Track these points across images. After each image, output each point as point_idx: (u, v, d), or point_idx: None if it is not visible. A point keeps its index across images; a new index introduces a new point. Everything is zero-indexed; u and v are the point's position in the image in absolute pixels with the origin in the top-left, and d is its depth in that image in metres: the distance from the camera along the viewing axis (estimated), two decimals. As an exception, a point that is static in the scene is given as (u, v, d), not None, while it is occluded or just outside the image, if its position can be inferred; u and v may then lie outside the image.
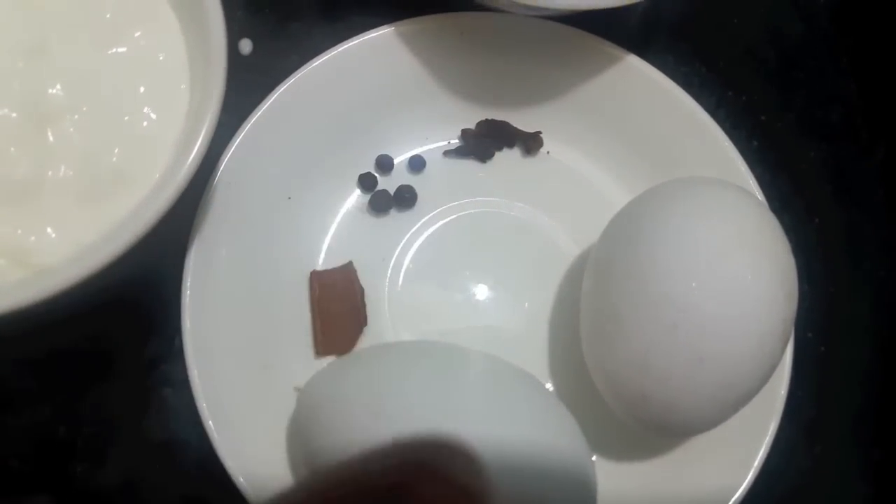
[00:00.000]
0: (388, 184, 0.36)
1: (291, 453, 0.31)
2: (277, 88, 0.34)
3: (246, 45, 0.38)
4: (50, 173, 0.28)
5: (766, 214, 0.29)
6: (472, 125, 0.37)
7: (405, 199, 0.36)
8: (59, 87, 0.29)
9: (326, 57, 0.35)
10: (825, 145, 0.40)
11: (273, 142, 0.34)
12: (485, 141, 0.37)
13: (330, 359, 0.34)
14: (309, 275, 0.35)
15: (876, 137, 0.41)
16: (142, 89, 0.29)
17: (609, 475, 0.31)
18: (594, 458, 0.31)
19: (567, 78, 0.36)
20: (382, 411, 0.27)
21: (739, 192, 0.30)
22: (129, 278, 0.32)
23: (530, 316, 0.35)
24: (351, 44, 0.35)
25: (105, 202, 0.28)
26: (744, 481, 0.31)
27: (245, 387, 0.32)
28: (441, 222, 0.36)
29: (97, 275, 0.26)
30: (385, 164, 0.36)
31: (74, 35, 0.29)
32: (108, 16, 0.30)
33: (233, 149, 0.33)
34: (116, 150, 0.29)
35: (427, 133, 0.37)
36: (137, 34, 0.30)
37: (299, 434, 0.30)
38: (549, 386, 0.34)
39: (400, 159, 0.37)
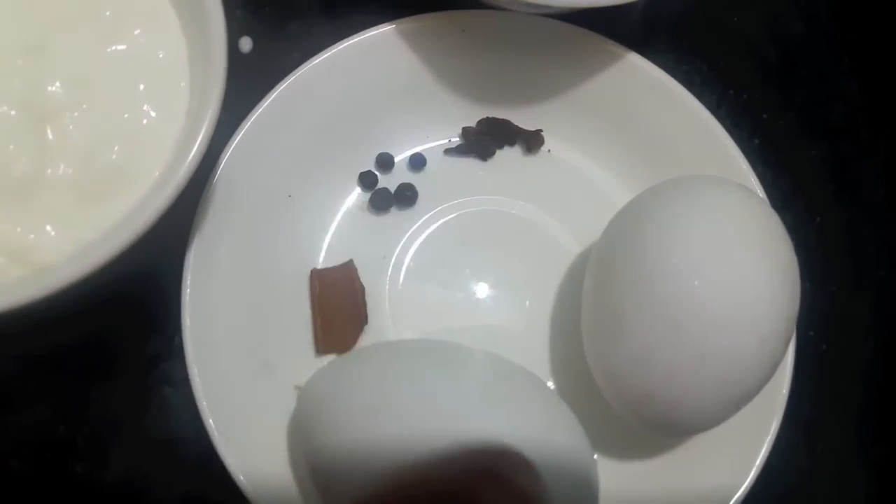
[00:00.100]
0: (388, 182, 0.36)
1: (292, 451, 0.31)
2: (277, 86, 0.34)
3: (246, 44, 0.38)
4: (49, 171, 0.28)
5: (768, 212, 0.29)
6: (472, 123, 0.37)
7: (406, 197, 0.36)
8: (58, 84, 0.29)
9: (327, 55, 0.34)
10: (826, 144, 0.40)
11: (273, 140, 0.34)
12: (485, 139, 0.37)
13: (330, 357, 0.34)
14: (309, 273, 0.35)
15: (877, 136, 0.41)
16: (141, 87, 0.29)
17: (610, 473, 0.31)
18: (595, 456, 0.31)
19: (568, 76, 0.36)
20: (383, 409, 0.27)
21: (741, 191, 0.30)
22: (130, 276, 0.32)
23: (531, 314, 0.35)
24: (351, 42, 0.35)
25: (105, 200, 0.28)
26: (745, 480, 0.31)
27: (245, 385, 0.32)
28: (442, 221, 0.36)
29: (97, 273, 0.26)
30: (386, 162, 0.36)
31: (74, 33, 0.29)
32: (107, 13, 0.30)
33: (233, 147, 0.33)
34: (116, 148, 0.28)
35: (428, 131, 0.37)
36: (137, 32, 0.30)
37: (300, 432, 0.30)
38: (551, 384, 0.34)
39: (400, 157, 0.37)
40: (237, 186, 0.33)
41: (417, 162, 0.36)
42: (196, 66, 0.29)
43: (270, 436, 0.32)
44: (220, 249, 0.33)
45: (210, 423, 0.30)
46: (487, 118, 0.37)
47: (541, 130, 0.37)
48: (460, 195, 0.36)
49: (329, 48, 0.35)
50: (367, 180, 0.36)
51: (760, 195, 0.34)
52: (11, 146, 0.28)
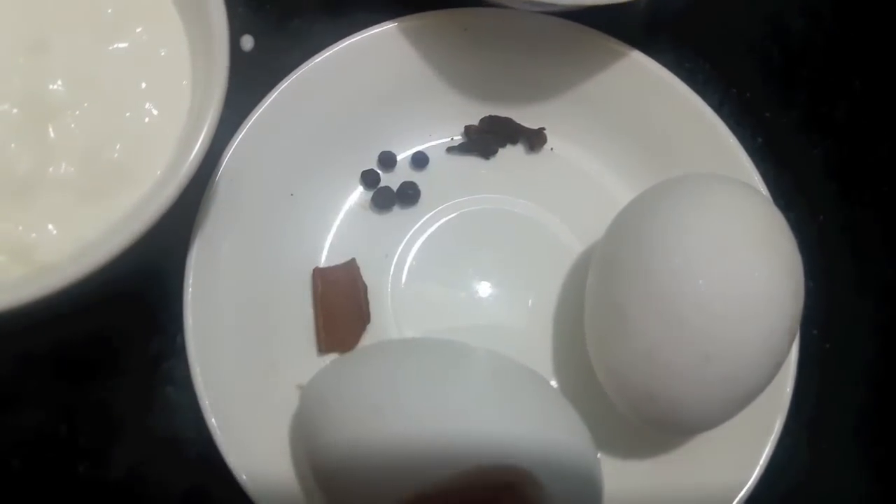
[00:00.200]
0: (390, 180, 0.36)
1: (294, 450, 0.31)
2: (279, 85, 0.34)
3: (248, 42, 0.38)
4: (51, 169, 0.28)
5: (772, 210, 0.29)
6: (475, 122, 0.37)
7: (408, 195, 0.36)
8: (59, 82, 0.29)
9: (329, 53, 0.34)
10: (829, 142, 0.40)
11: (275, 138, 0.34)
12: (488, 137, 0.37)
13: (333, 356, 0.34)
14: (312, 272, 0.34)
15: (880, 134, 0.41)
16: (143, 85, 0.29)
17: (614, 472, 0.31)
18: (599, 454, 0.31)
19: (571, 74, 0.36)
20: (385, 408, 0.27)
21: (744, 189, 0.29)
22: (132, 275, 0.32)
23: (534, 313, 0.35)
24: (353, 40, 0.35)
25: (106, 199, 0.28)
26: (749, 479, 0.31)
27: (247, 384, 0.32)
28: (444, 219, 0.36)
29: (98, 272, 0.26)
30: (388, 160, 0.36)
31: (75, 30, 0.29)
32: (109, 11, 0.30)
33: (235, 145, 0.33)
34: (118, 147, 0.28)
35: (430, 129, 0.37)
36: (139, 29, 0.30)
37: (302, 431, 0.30)
38: (553, 383, 0.34)
39: (403, 156, 0.37)
40: (239, 185, 0.33)
41: (420, 160, 0.36)
42: (198, 63, 0.29)
43: (272, 435, 0.31)
44: (222, 248, 0.32)
45: (212, 422, 0.30)
46: (490, 116, 0.37)
47: (543, 129, 0.37)
48: (463, 194, 0.36)
49: (331, 46, 0.34)
50: (369, 179, 0.36)
51: (764, 193, 0.33)
52: (13, 145, 0.28)
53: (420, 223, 0.36)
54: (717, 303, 0.27)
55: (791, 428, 0.33)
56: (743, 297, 0.27)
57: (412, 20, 0.35)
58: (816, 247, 0.37)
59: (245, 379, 0.32)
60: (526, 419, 0.28)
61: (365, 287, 0.34)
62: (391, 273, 0.35)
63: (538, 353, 0.34)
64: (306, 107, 0.34)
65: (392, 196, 0.36)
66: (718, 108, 0.36)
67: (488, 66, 0.36)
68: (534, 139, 0.37)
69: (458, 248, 0.36)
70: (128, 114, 0.29)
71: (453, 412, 0.27)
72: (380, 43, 0.35)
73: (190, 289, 0.31)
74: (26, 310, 0.25)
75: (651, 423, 0.30)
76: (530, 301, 0.35)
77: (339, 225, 0.36)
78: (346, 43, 0.35)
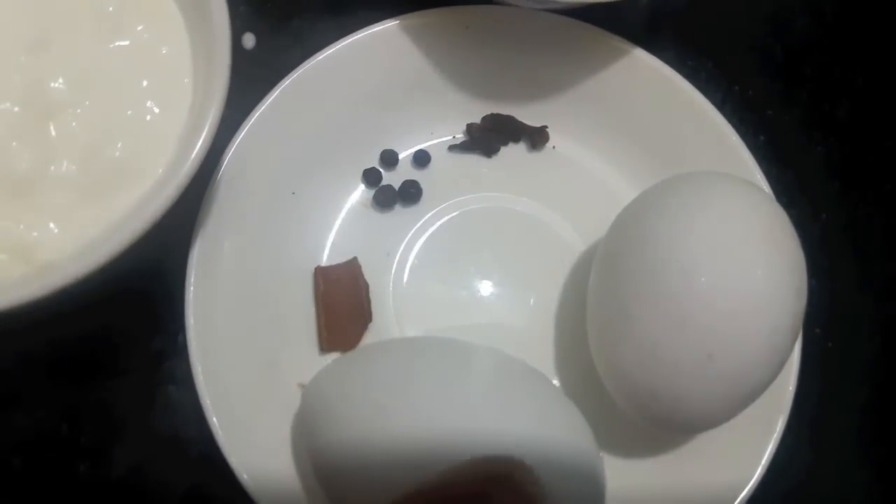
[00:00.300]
0: (392, 179, 0.36)
1: (295, 449, 0.31)
2: (281, 83, 0.34)
3: (249, 40, 0.38)
4: (52, 168, 0.28)
5: (775, 208, 0.29)
6: (477, 120, 0.37)
7: (410, 194, 0.36)
8: (61, 80, 0.28)
9: (330, 51, 0.34)
10: (832, 140, 0.40)
11: (277, 137, 0.34)
12: (490, 136, 0.37)
13: (334, 355, 0.34)
14: (313, 270, 0.34)
15: (883, 132, 0.41)
16: (145, 83, 0.29)
17: (616, 470, 0.31)
18: (601, 453, 0.31)
19: (573, 72, 0.36)
20: (387, 407, 0.27)
21: (747, 187, 0.29)
22: (133, 274, 0.32)
23: (536, 312, 0.35)
24: (355, 38, 0.35)
25: (108, 197, 0.28)
26: (752, 477, 0.31)
27: (249, 383, 0.32)
28: (446, 218, 0.36)
29: (99, 271, 0.26)
30: (390, 159, 0.36)
31: (76, 29, 0.29)
32: (110, 9, 0.29)
33: (236, 144, 0.33)
34: (119, 145, 0.28)
35: (432, 128, 0.37)
36: (140, 28, 0.30)
37: (304, 430, 0.30)
38: (556, 381, 0.34)
39: (405, 154, 0.36)
40: (241, 184, 0.33)
41: (422, 159, 0.36)
42: (199, 62, 0.29)
43: (274, 433, 0.31)
44: (223, 247, 0.32)
45: (213, 420, 0.30)
46: (492, 114, 0.37)
47: (545, 127, 0.37)
48: (465, 192, 0.36)
49: (332, 44, 0.34)
50: (371, 177, 0.36)
51: (766, 191, 0.33)
52: (14, 143, 0.28)
53: (422, 222, 0.36)
54: (721, 301, 0.27)
55: (793, 427, 0.33)
56: (746, 295, 0.27)
57: (414, 18, 0.35)
58: (818, 245, 0.37)
59: (246, 378, 0.32)
60: (528, 417, 0.28)
61: (367, 286, 0.34)
62: (393, 272, 0.35)
63: (540, 351, 0.34)
64: (308, 105, 0.34)
65: (394, 194, 0.36)
66: (721, 106, 0.36)
67: (490, 64, 0.36)
68: (536, 137, 0.37)
69: (459, 246, 0.36)
70: (129, 112, 0.29)
71: (456, 410, 0.27)
72: (381, 41, 0.35)
73: (191, 287, 0.31)
74: (27, 309, 0.25)
75: (653, 422, 0.30)
76: (532, 299, 0.35)
77: (340, 223, 0.35)
78: (348, 41, 0.35)
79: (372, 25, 0.35)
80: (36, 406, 0.33)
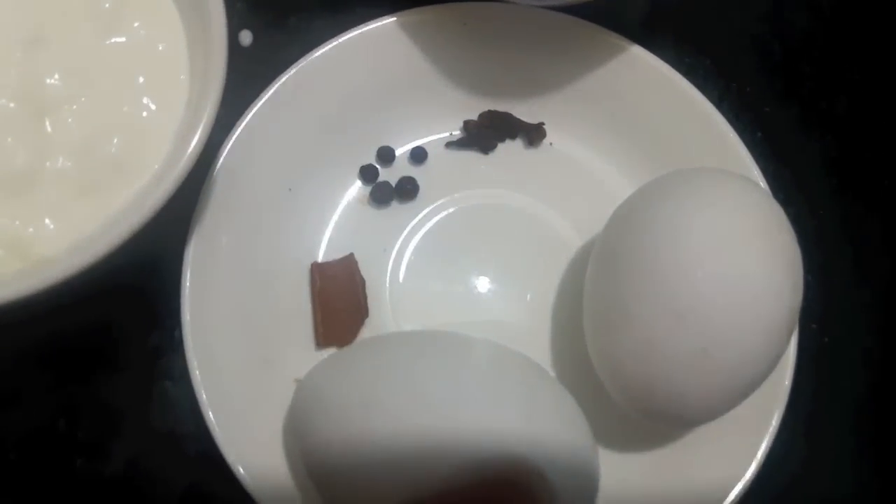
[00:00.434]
0: (389, 175, 0.36)
1: (290, 445, 0.31)
2: (278, 79, 0.34)
3: (246, 37, 0.38)
4: (48, 164, 0.28)
5: (771, 204, 0.29)
6: (474, 116, 0.37)
7: (407, 190, 0.36)
8: (57, 77, 0.29)
9: (327, 48, 0.34)
10: (829, 137, 0.40)
11: (274, 133, 0.34)
12: (487, 132, 0.37)
13: (331, 351, 0.34)
14: (310, 266, 0.34)
15: (880, 129, 0.41)
16: (141, 80, 0.29)
17: (611, 464, 0.31)
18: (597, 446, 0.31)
19: (570, 68, 0.36)
20: (375, 402, 0.27)
21: (744, 182, 0.29)
22: (130, 270, 0.32)
23: (532, 307, 0.35)
24: (352, 34, 0.35)
25: (104, 193, 0.28)
26: (747, 472, 0.31)
27: (245, 378, 0.32)
28: (443, 214, 0.36)
29: (96, 266, 0.26)
30: (386, 155, 0.36)
31: (73, 25, 0.29)
32: (106, 5, 0.30)
33: (233, 140, 0.33)
34: (115, 141, 0.28)
35: (429, 124, 0.37)
36: (136, 24, 0.30)
37: (296, 427, 0.30)
38: (552, 375, 0.34)
39: (401, 151, 0.36)
40: (237, 180, 0.33)
41: (418, 155, 0.36)
42: (196, 58, 0.29)
43: (271, 428, 0.31)
44: (220, 243, 0.32)
45: (210, 416, 0.30)
46: (489, 111, 0.37)
47: (542, 123, 0.37)
48: (461, 188, 0.36)
49: (329, 41, 0.34)
50: (367, 174, 0.36)
51: (763, 187, 0.33)
52: (10, 139, 0.28)
53: (418, 218, 0.36)
54: (716, 295, 0.27)
55: (788, 422, 0.33)
56: (742, 289, 0.27)
57: (411, 15, 0.35)
58: (815, 241, 0.37)
59: (243, 373, 0.32)
60: (525, 409, 0.28)
61: (363, 281, 0.34)
62: (389, 267, 0.35)
63: (537, 347, 0.34)
64: (305, 102, 0.34)
65: (390, 191, 0.36)
66: (718, 103, 0.36)
67: (487, 61, 0.36)
68: (533, 134, 0.37)
69: (456, 242, 0.36)
70: (125, 108, 0.29)
71: (450, 404, 0.27)
72: (378, 38, 0.35)
73: (188, 283, 0.31)
74: (24, 303, 0.25)
75: (648, 415, 0.30)
76: (529, 295, 0.35)
77: (337, 220, 0.35)
78: (345, 38, 0.35)
79: (369, 23, 0.35)
80: (33, 401, 0.33)
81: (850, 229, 0.39)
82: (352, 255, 0.35)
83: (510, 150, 0.37)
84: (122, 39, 0.30)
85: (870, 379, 0.37)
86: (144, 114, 0.29)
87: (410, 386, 0.27)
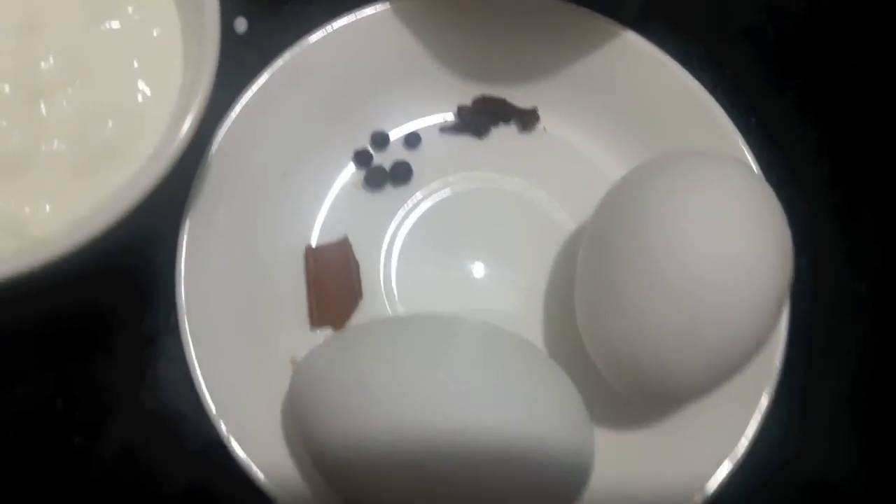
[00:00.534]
0: (383, 160, 0.36)
1: (287, 426, 0.31)
2: (273, 64, 0.34)
3: (241, 24, 0.39)
4: (43, 146, 0.28)
5: (761, 185, 0.29)
6: (468, 101, 0.37)
7: (400, 174, 0.36)
8: (52, 61, 0.29)
9: (322, 33, 0.35)
10: (824, 124, 0.40)
11: (268, 118, 0.34)
12: (481, 117, 0.37)
13: (326, 331, 0.34)
14: (304, 249, 0.35)
15: (874, 116, 0.41)
16: (135, 64, 0.30)
17: (604, 443, 0.31)
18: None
19: (564, 54, 0.36)
20: (371, 384, 0.27)
21: (734, 163, 0.30)
22: (127, 253, 0.33)
23: (526, 290, 0.35)
24: (346, 20, 0.35)
25: (99, 175, 0.28)
26: (736, 449, 0.31)
27: (241, 359, 0.32)
28: (437, 198, 0.36)
29: (90, 245, 0.26)
30: (380, 140, 0.36)
31: (68, 10, 0.29)
32: (101, -9, 0.30)
33: (228, 124, 0.33)
34: (110, 124, 0.29)
35: (423, 109, 0.37)
36: (131, 9, 0.30)
37: (295, 411, 0.30)
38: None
39: (395, 135, 0.37)
40: (232, 164, 0.33)
41: (412, 140, 0.37)
42: (190, 44, 0.30)
43: (266, 408, 0.31)
44: (215, 227, 0.33)
45: (206, 395, 0.30)
46: (483, 96, 0.37)
47: (536, 108, 0.37)
48: (455, 173, 0.36)
49: (324, 26, 0.35)
50: (362, 158, 0.36)
51: (753, 168, 0.34)
52: (4, 122, 0.28)
53: (412, 202, 0.36)
54: (705, 273, 0.27)
55: (782, 404, 0.33)
56: (731, 268, 0.27)
57: (405, 1, 0.35)
58: (809, 226, 0.37)
59: (238, 354, 0.32)
60: (519, 387, 0.28)
61: (357, 264, 0.35)
62: (383, 251, 0.35)
63: (531, 329, 0.34)
64: (299, 87, 0.35)
65: (385, 175, 0.36)
66: (713, 90, 0.36)
67: (481, 46, 0.36)
68: (526, 119, 0.37)
69: (450, 226, 0.36)
70: (120, 92, 0.29)
71: (445, 384, 0.27)
72: (373, 23, 0.35)
73: (183, 267, 0.31)
74: (20, 282, 0.25)
75: (639, 394, 0.30)
76: (522, 278, 0.35)
77: (331, 204, 0.36)
78: (340, 23, 0.35)
79: (363, 8, 0.35)
80: (31, 381, 0.33)
81: (843, 214, 0.39)
82: (346, 238, 0.35)
83: (504, 134, 0.37)
84: (117, 25, 0.30)
85: (863, 362, 0.37)
86: (139, 98, 0.29)
87: (407, 367, 0.27)
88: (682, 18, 0.40)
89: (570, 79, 0.36)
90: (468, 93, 0.37)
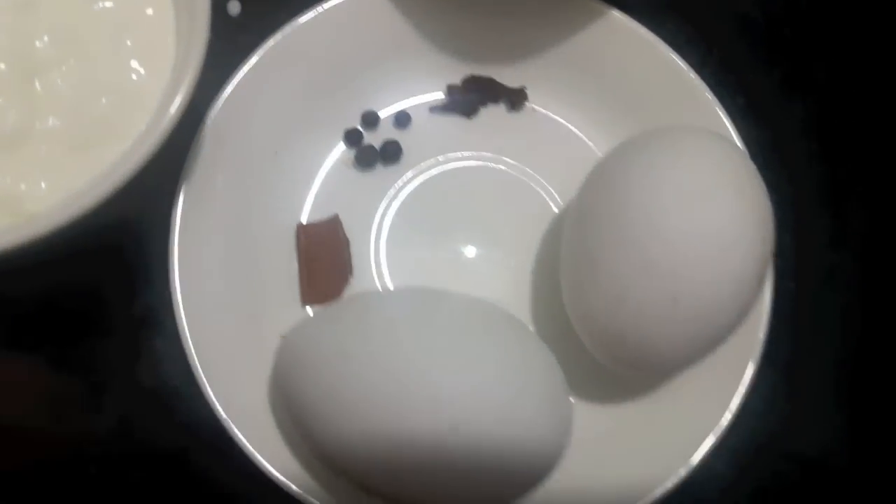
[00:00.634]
0: (373, 139, 0.37)
1: (275, 399, 0.32)
2: (264, 44, 0.34)
3: (234, 7, 0.39)
4: (38, 124, 0.29)
5: (741, 158, 0.29)
6: (457, 81, 0.37)
7: (391, 153, 0.36)
8: (46, 39, 0.29)
9: (313, 13, 0.35)
10: (810, 102, 0.41)
11: (259, 98, 0.34)
12: (470, 96, 0.37)
13: (317, 308, 0.34)
14: (296, 227, 0.35)
15: (859, 94, 0.41)
16: (129, 43, 0.30)
17: (590, 419, 0.32)
18: (573, 399, 0.32)
19: (552, 34, 0.37)
20: (350, 354, 0.27)
21: (712, 137, 0.30)
22: (120, 230, 0.33)
23: (514, 267, 0.35)
24: (337, 0, 0.35)
25: (93, 152, 0.29)
26: (720, 422, 0.31)
27: (233, 335, 0.32)
28: (426, 177, 0.36)
29: (83, 221, 0.26)
30: (371, 119, 0.37)
31: (62, -10, 0.30)
32: (95, -30, 0.30)
33: (220, 104, 0.34)
34: (104, 102, 0.29)
35: (412, 89, 0.37)
36: (125, -12, 0.30)
37: (279, 381, 0.30)
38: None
39: (386, 115, 0.37)
40: (224, 143, 0.34)
41: (402, 119, 0.37)
42: (183, 22, 0.30)
43: (259, 383, 0.32)
44: (207, 205, 0.33)
45: (199, 371, 0.31)
46: (472, 76, 0.37)
47: (524, 88, 0.37)
48: (445, 152, 0.37)
49: (315, 6, 0.35)
50: (352, 137, 0.36)
51: (736, 143, 0.34)
52: (0, 99, 0.28)
53: (402, 180, 0.36)
54: (686, 245, 0.27)
55: (768, 379, 0.33)
56: (711, 240, 0.27)
57: (395, -19, 0.36)
58: (795, 203, 0.38)
59: (231, 331, 0.32)
60: (497, 358, 0.28)
61: (347, 241, 0.35)
62: (373, 229, 0.36)
63: (518, 306, 0.35)
64: (290, 66, 0.35)
65: (375, 154, 0.36)
66: (699, 69, 0.36)
67: (470, 26, 0.37)
68: (515, 98, 0.37)
69: (439, 204, 0.36)
70: (114, 70, 0.30)
71: (424, 355, 0.27)
72: (363, 4, 0.36)
73: (176, 245, 0.32)
74: (14, 257, 0.26)
75: (622, 365, 0.30)
76: (510, 255, 0.36)
77: (322, 182, 0.36)
78: (330, 4, 0.35)
79: (354, -12, 0.35)
80: (26, 358, 0.34)
81: (828, 191, 0.39)
82: (336, 216, 0.35)
83: (493, 114, 0.38)
84: (110, 3, 0.30)
85: (848, 337, 0.37)
86: (133, 76, 0.30)
87: (385, 338, 0.28)
88: (670, -1, 0.40)
89: (558, 58, 0.37)
90: (457, 72, 0.37)
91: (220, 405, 0.31)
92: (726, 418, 0.31)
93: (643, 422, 0.33)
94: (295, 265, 0.35)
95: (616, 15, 0.36)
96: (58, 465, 0.33)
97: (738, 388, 0.32)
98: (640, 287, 0.28)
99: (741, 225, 0.28)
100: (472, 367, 0.27)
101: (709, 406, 0.32)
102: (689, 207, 0.28)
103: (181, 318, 0.31)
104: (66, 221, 0.26)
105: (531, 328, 0.35)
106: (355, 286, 0.35)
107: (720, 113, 0.35)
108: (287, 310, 0.34)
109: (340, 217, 0.35)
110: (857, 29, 0.42)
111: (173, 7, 0.31)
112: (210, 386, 0.31)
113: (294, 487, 0.30)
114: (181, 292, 0.32)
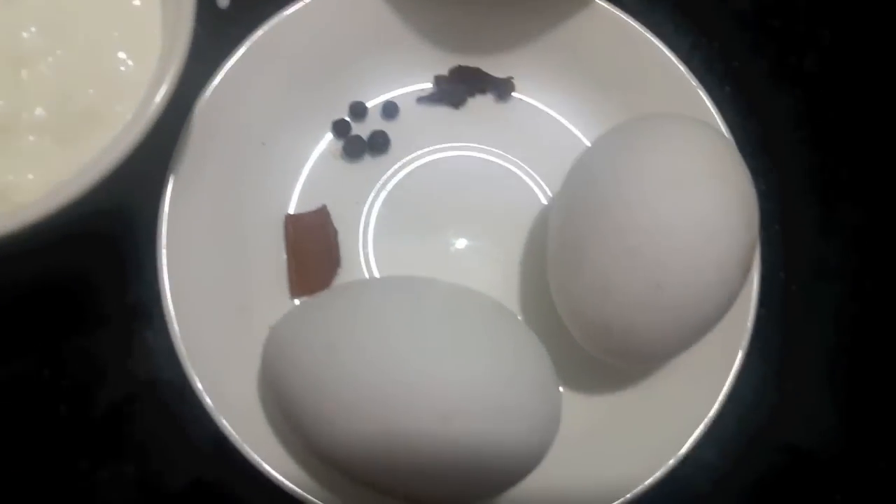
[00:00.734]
0: (361, 130, 0.37)
1: (264, 391, 0.32)
2: (252, 35, 0.34)
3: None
4: (25, 114, 0.29)
5: (725, 145, 0.29)
6: (445, 71, 0.37)
7: (378, 144, 0.36)
8: (33, 30, 0.29)
9: (301, 4, 0.35)
10: (799, 91, 0.41)
11: (247, 89, 0.35)
12: (458, 87, 0.37)
13: (305, 300, 0.34)
14: (284, 218, 0.35)
15: (848, 83, 0.41)
16: (116, 34, 0.30)
17: (580, 409, 0.32)
18: (562, 389, 0.32)
19: (538, 24, 0.37)
20: (336, 345, 0.27)
21: (698, 124, 0.30)
22: (110, 223, 0.33)
23: (502, 257, 0.36)
24: (326, -10, 0.35)
25: (80, 142, 0.29)
26: (709, 412, 0.31)
27: (222, 327, 0.32)
28: (414, 167, 0.37)
29: (70, 210, 0.26)
30: (358, 110, 0.37)
31: (49, -21, 0.30)
32: (82, -39, 0.30)
33: (207, 95, 0.34)
34: (91, 93, 0.29)
35: (400, 80, 0.37)
36: (112, -21, 0.30)
37: (267, 373, 0.30)
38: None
39: (373, 105, 0.37)
40: (212, 134, 0.34)
41: (390, 110, 0.37)
42: (169, 13, 0.30)
43: (248, 375, 0.32)
44: (195, 196, 0.33)
45: (188, 365, 0.31)
46: (459, 66, 0.37)
47: (512, 78, 0.37)
48: (433, 142, 0.37)
49: (303, -1, 0.35)
50: (340, 128, 0.37)
51: (721, 130, 0.34)
52: (-14, 90, 0.28)
53: (390, 171, 0.36)
54: (669, 233, 0.27)
55: (758, 369, 0.34)
56: (695, 227, 0.27)
57: (382, -28, 0.36)
58: (784, 192, 0.38)
59: (220, 323, 0.32)
60: (485, 347, 0.28)
61: (335, 232, 0.35)
62: (362, 220, 0.36)
63: (506, 295, 0.35)
64: (277, 57, 0.35)
65: (363, 145, 0.36)
66: (688, 58, 0.36)
67: (457, 17, 0.37)
68: (502, 88, 0.37)
69: (428, 195, 0.36)
70: (101, 61, 0.30)
71: (411, 345, 0.27)
72: (351, -5, 0.36)
73: (164, 238, 0.32)
74: (2, 245, 0.26)
75: (609, 354, 0.30)
76: (499, 245, 0.36)
77: (310, 173, 0.36)
78: (319, -6, 0.35)
79: (342, -21, 0.36)
80: (18, 350, 0.34)
81: (817, 181, 0.40)
82: (324, 206, 0.35)
83: (480, 104, 0.38)
84: (98, -6, 0.30)
85: (837, 326, 0.38)
86: (121, 67, 0.30)
87: (374, 326, 0.28)
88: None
89: (545, 48, 0.37)
90: (445, 63, 0.37)
91: (210, 398, 0.30)
92: (715, 409, 0.31)
93: (633, 412, 0.33)
94: (283, 256, 0.35)
95: (603, 5, 0.36)
96: (48, 458, 0.33)
97: (727, 377, 0.32)
98: (623, 274, 0.28)
99: (724, 211, 0.28)
100: (463, 356, 0.27)
101: (698, 397, 0.32)
102: (670, 194, 0.28)
103: (169, 311, 0.31)
104: (54, 210, 0.26)
105: (520, 318, 0.35)
106: (344, 277, 0.35)
107: (706, 101, 0.35)
108: (276, 300, 0.34)
109: (328, 208, 0.35)
110: (846, 18, 0.42)
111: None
112: (199, 379, 0.31)
113: (285, 481, 0.30)
114: (170, 284, 0.32)
